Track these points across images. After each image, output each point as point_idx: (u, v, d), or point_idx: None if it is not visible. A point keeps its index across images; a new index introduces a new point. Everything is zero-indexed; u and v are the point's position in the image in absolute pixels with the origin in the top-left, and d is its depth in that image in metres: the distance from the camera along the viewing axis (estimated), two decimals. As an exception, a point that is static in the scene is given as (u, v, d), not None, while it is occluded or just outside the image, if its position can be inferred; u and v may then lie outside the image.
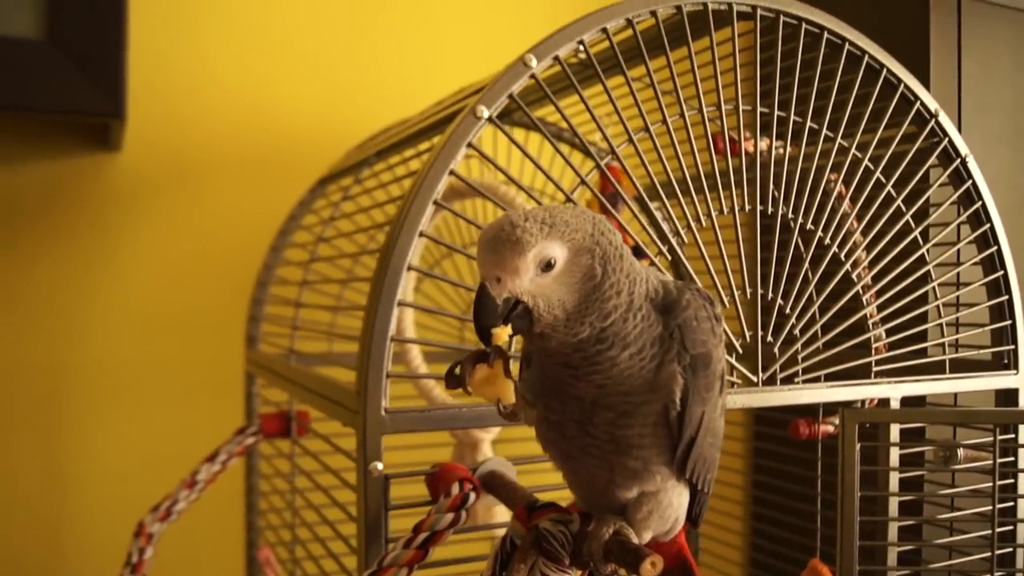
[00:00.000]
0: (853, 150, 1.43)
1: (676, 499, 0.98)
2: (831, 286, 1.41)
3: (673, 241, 1.28)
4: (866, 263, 1.46)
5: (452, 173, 1.19)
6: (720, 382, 0.95)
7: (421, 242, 1.20)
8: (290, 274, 1.95)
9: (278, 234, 2.08)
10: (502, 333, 0.84)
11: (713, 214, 1.31)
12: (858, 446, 1.35)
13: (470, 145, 1.20)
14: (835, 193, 1.42)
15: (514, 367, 0.96)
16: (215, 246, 2.22)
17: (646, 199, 1.27)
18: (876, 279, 1.47)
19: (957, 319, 1.59)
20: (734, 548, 2.23)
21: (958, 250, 1.57)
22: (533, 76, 1.22)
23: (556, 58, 1.23)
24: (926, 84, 2.02)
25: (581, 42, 1.25)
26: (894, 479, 1.44)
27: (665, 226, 1.28)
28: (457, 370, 0.90)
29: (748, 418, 2.46)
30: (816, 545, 1.80)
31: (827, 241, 1.40)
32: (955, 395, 1.57)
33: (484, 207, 2.27)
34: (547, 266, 0.84)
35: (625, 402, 0.90)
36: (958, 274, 1.58)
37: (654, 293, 0.92)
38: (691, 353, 0.90)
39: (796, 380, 1.38)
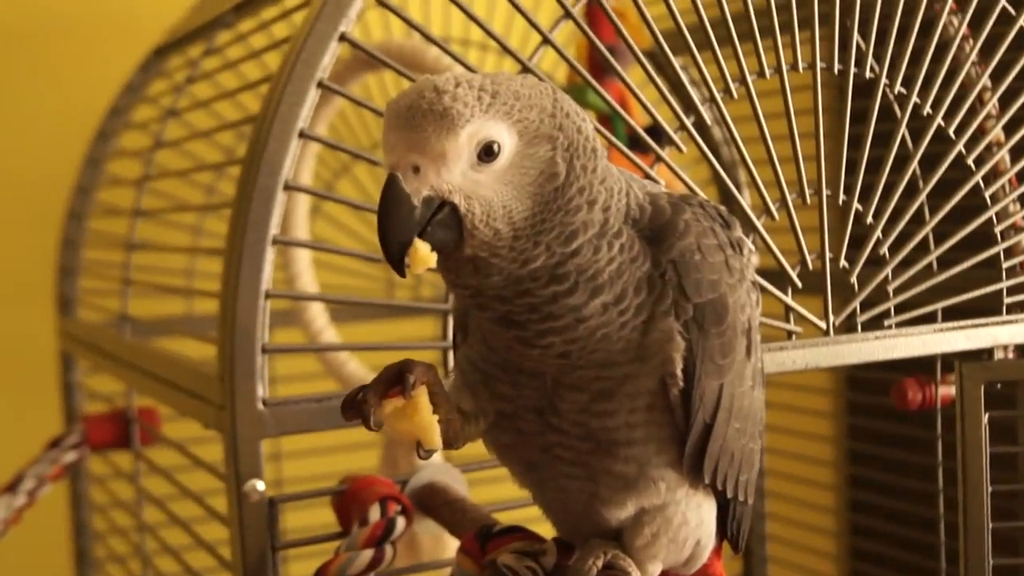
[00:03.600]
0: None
1: (693, 514, 1.01)
2: (937, 175, 1.44)
3: (688, 124, 1.31)
4: (997, 132, 1.48)
5: (344, 39, 1.21)
6: (747, 339, 0.97)
7: (311, 147, 1.21)
8: (118, 199, 1.96)
9: (96, 137, 2.08)
10: (423, 254, 0.84)
11: (749, 78, 1.34)
12: (985, 417, 1.39)
13: (369, -7, 1.22)
14: (939, 28, 1.44)
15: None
16: (4, 165, 2.24)
17: (642, 60, 1.29)
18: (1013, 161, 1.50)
19: None
20: (823, 577, 2.30)
21: None
22: None
23: None
24: None
25: None
26: (1042, 463, 1.49)
27: (675, 101, 1.31)
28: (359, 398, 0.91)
29: (837, 383, 2.50)
30: (941, 567, 1.86)
31: (927, 110, 1.43)
32: None
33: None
34: (487, 153, 0.86)
35: (601, 377, 0.93)
36: None
37: (637, 212, 0.93)
38: (694, 302, 0.92)
39: (887, 323, 1.42)
